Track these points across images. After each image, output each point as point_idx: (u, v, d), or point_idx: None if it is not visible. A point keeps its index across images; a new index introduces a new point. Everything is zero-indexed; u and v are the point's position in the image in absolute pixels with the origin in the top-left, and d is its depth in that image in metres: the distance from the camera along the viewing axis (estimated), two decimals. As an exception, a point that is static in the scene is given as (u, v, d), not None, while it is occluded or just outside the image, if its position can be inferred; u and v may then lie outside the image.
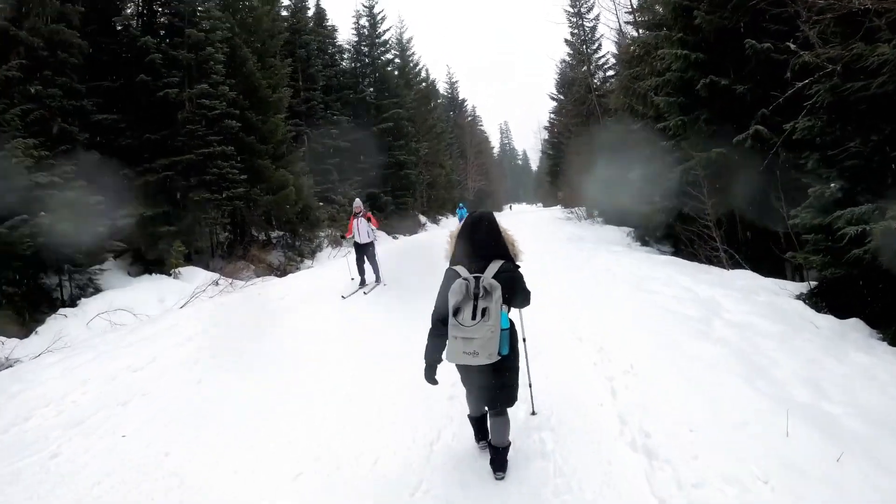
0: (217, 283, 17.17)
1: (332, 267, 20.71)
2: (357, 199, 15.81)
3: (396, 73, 49.39)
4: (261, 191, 22.28)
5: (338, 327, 10.71)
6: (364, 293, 14.03)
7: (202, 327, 11.16)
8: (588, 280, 13.05)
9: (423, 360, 4.94)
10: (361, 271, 14.87)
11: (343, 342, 9.57)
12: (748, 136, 13.62)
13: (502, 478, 5.02)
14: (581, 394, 6.36)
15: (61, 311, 13.57)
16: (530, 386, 6.00)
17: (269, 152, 23.54)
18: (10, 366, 10.24)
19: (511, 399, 4.99)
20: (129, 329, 12.21)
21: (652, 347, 7.42)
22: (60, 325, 12.82)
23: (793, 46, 10.74)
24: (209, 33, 20.83)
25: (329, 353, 8.96)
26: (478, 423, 5.31)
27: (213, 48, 20.63)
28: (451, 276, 4.77)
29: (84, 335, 12.48)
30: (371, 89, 43.88)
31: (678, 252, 18.76)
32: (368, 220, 14.72)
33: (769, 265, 13.88)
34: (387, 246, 30.42)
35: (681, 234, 16.51)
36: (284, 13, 35.65)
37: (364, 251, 14.85)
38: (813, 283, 10.54)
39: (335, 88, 39.42)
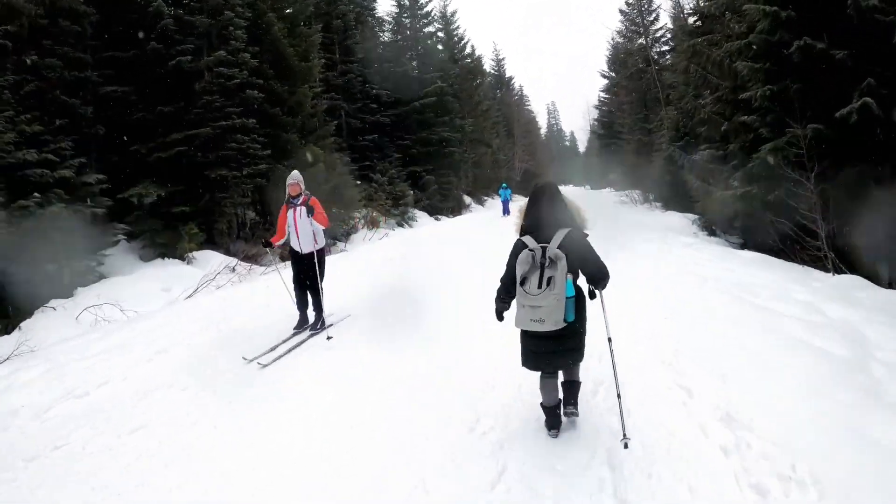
0: (234, 270, 15.51)
1: (364, 251, 19.23)
2: (295, 173, 9.65)
3: (440, 46, 47.78)
4: (286, 167, 19.81)
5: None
6: (260, 362, 7.88)
7: (185, 333, 9.39)
8: (673, 285, 10.81)
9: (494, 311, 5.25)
10: (303, 304, 9.57)
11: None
12: (853, 110, 11.20)
13: (574, 412, 5.35)
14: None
15: (51, 302, 11.87)
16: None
17: (297, 126, 21.56)
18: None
19: (578, 359, 5.18)
20: (101, 333, 10.34)
21: (813, 421, 4.84)
22: (45, 321, 11.16)
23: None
24: (229, -5, 18.91)
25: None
26: (551, 412, 5.27)
27: (233, 12, 18.67)
28: (519, 245, 4.95)
29: (72, 331, 10.77)
30: (414, 63, 41.82)
31: (749, 245, 16.78)
32: (312, 211, 9.23)
33: (861, 267, 11.72)
34: (421, 231, 28.59)
35: (770, 226, 14.00)
36: (319, -19, 33.69)
37: (305, 267, 9.43)
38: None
39: (374, 61, 37.32)
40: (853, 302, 8.46)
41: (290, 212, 9.37)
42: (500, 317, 5.23)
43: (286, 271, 10.14)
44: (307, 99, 22.39)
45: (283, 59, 21.16)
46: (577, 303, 4.94)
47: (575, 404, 5.34)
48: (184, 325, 10.00)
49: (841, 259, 11.69)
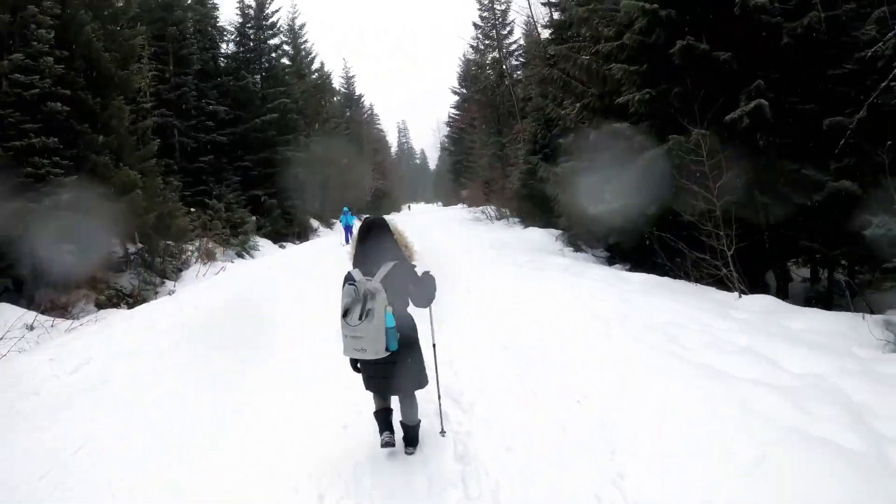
0: (31, 328, 12.35)
1: (195, 292, 16.52)
2: None
3: (286, 60, 45.48)
4: (98, 196, 16.11)
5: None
6: None
7: None
8: (570, 336, 8.23)
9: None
10: None
11: None
12: (744, 113, 10.45)
13: (412, 452, 5.41)
14: None
15: None
16: None
17: (112, 145, 17.90)
18: None
19: (412, 385, 5.32)
20: None
21: None
22: None
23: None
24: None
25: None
26: (381, 416, 5.47)
27: (38, 7, 15.52)
28: (346, 278, 5.13)
29: None
30: (257, 77, 39.18)
31: (616, 259, 16.60)
32: None
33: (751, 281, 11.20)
34: (263, 262, 25.44)
35: (654, 242, 12.94)
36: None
37: None
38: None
39: (213, 74, 34.69)
40: (797, 340, 7.07)
41: None
42: (353, 362, 5.34)
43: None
44: (123, 113, 18.79)
45: (97, 66, 17.83)
46: (402, 330, 5.06)
47: (415, 444, 5.48)
48: None
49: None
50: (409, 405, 5.40)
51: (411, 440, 5.46)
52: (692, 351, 6.93)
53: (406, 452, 5.40)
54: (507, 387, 6.55)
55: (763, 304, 9.22)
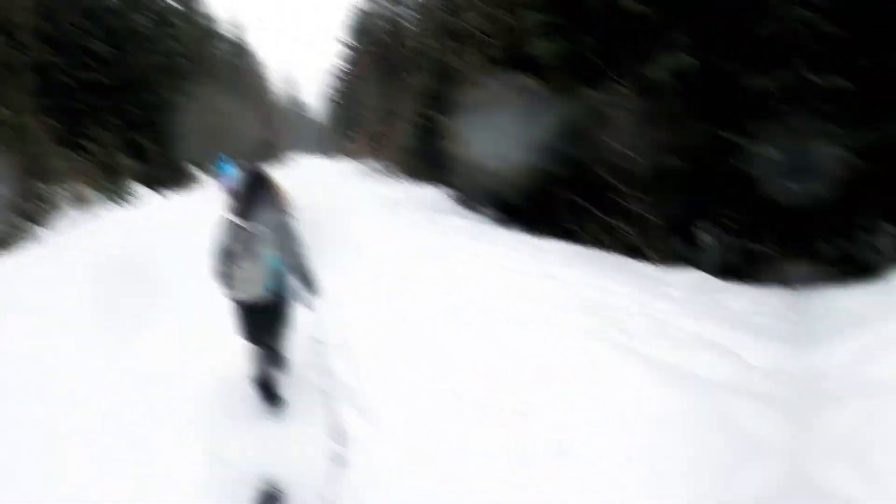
0: None
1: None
2: None
3: (173, 2, 42.96)
4: None
5: None
6: None
7: None
8: (498, 315, 6.72)
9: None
10: None
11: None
12: (666, 69, 10.29)
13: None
14: None
15: None
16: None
17: None
18: None
19: (285, 328, 5.43)
20: None
21: None
22: None
23: None
24: None
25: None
26: (263, 388, 5.35)
27: None
28: (226, 222, 5.12)
29: None
30: (141, 15, 36.82)
31: (512, 221, 16.03)
32: None
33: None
34: (144, 212, 24.24)
35: (564, 204, 12.63)
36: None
37: None
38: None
39: (98, 11, 32.29)
40: (746, 324, 6.78)
41: None
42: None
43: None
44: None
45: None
46: (280, 275, 5.12)
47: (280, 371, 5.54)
48: None
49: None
50: (283, 339, 5.47)
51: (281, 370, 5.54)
52: (641, 341, 5.90)
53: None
54: (420, 384, 5.39)
55: (692, 278, 9.11)
